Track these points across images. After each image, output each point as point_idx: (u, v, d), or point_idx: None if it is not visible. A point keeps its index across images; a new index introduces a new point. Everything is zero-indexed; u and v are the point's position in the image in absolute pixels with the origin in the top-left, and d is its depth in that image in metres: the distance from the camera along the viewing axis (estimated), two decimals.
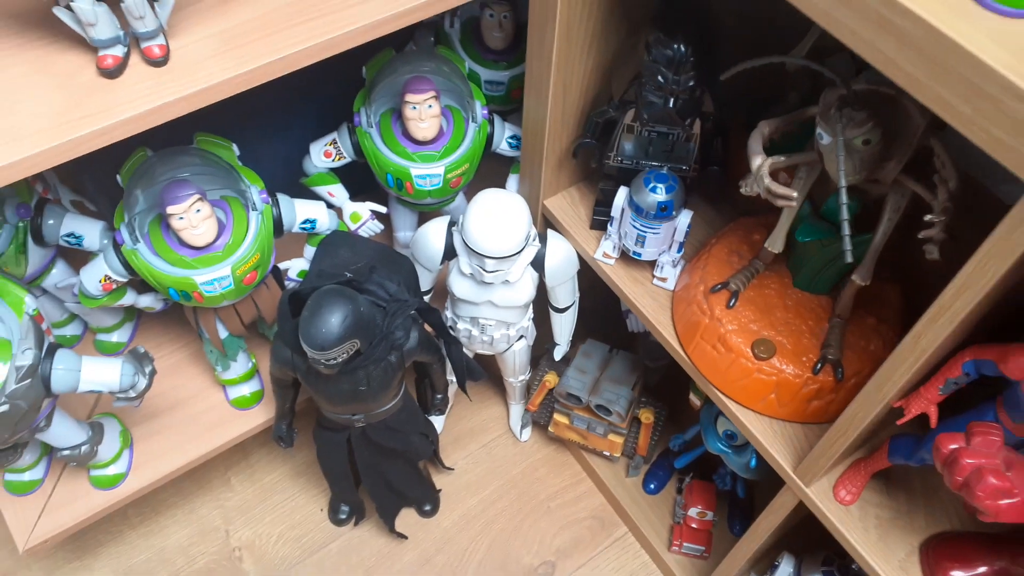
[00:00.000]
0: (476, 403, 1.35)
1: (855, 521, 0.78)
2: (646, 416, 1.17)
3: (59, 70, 0.64)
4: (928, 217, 0.59)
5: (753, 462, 0.94)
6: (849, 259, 0.59)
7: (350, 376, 0.85)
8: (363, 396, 0.89)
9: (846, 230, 0.58)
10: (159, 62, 0.64)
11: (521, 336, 1.07)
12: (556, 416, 1.20)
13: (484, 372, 1.05)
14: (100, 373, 0.80)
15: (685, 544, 1.16)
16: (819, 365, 0.78)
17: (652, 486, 1.24)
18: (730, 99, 0.82)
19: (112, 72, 0.63)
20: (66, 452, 0.90)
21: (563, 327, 1.06)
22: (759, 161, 0.66)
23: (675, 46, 0.73)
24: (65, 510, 0.98)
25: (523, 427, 1.31)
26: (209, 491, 1.25)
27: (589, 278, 0.98)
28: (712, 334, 0.83)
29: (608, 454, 1.22)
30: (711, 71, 0.72)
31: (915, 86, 0.48)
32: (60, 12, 0.60)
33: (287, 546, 1.21)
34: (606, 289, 0.94)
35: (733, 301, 0.82)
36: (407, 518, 1.23)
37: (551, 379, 1.15)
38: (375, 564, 1.20)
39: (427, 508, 1.23)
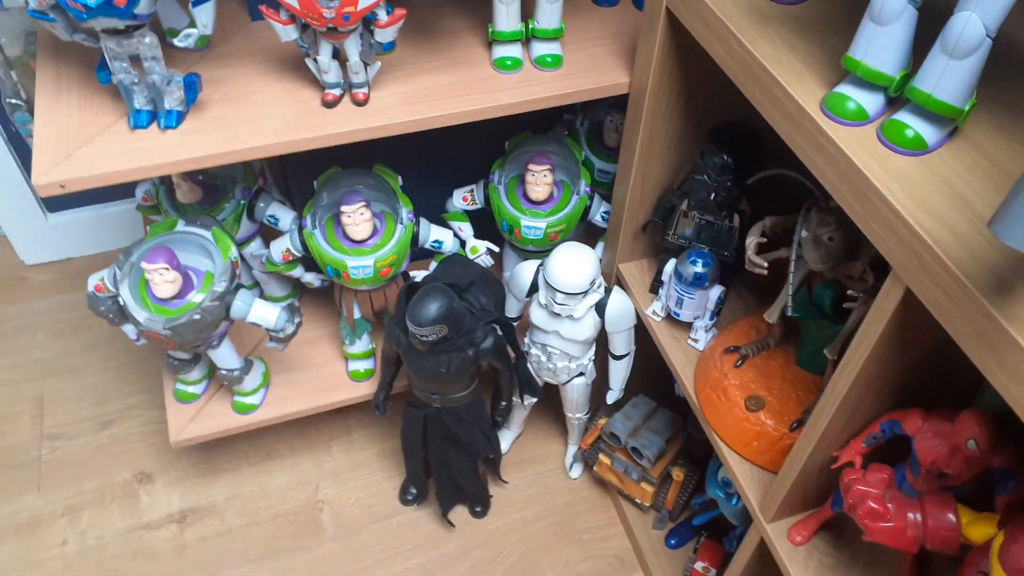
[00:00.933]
0: (540, 438, 1.57)
1: (799, 560, 0.94)
2: (678, 474, 1.35)
3: (299, 97, 0.98)
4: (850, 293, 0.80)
5: (740, 507, 1.11)
6: (790, 304, 0.81)
7: (435, 358, 1.12)
8: (443, 378, 1.15)
9: (791, 280, 0.80)
10: (361, 103, 0.97)
11: (581, 373, 1.30)
12: (601, 456, 1.40)
13: (542, 391, 1.29)
14: (264, 312, 1.11)
15: None
16: (795, 425, 0.97)
17: (673, 541, 1.41)
18: (763, 202, 1.04)
19: (330, 104, 0.96)
20: (224, 372, 1.22)
21: (618, 374, 1.28)
22: (749, 239, 0.89)
23: (722, 155, 0.98)
24: (210, 422, 1.29)
25: (574, 464, 1.52)
26: (313, 453, 1.53)
27: (648, 347, 1.20)
28: (718, 385, 1.03)
29: (640, 502, 1.40)
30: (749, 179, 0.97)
31: (843, 203, 0.71)
32: (309, 62, 0.94)
33: (359, 510, 1.46)
34: (660, 358, 1.17)
35: (740, 362, 1.03)
36: (459, 515, 1.45)
37: (604, 423, 1.37)
38: (424, 543, 1.43)
39: (478, 509, 1.46)
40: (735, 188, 1.01)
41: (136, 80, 0.88)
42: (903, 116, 0.68)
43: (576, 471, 1.53)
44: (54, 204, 1.71)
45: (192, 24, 0.86)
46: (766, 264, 0.90)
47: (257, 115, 0.95)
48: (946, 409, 0.78)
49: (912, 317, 0.66)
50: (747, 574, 1.05)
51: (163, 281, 1.03)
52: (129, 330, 1.17)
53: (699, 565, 1.31)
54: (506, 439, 1.52)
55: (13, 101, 1.46)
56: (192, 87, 0.91)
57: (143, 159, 0.89)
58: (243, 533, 1.42)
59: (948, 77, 0.64)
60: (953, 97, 0.65)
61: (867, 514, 0.75)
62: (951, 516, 0.73)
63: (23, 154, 1.60)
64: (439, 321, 1.05)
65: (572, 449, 1.52)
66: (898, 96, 0.70)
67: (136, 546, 1.39)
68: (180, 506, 1.44)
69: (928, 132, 0.67)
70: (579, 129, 1.36)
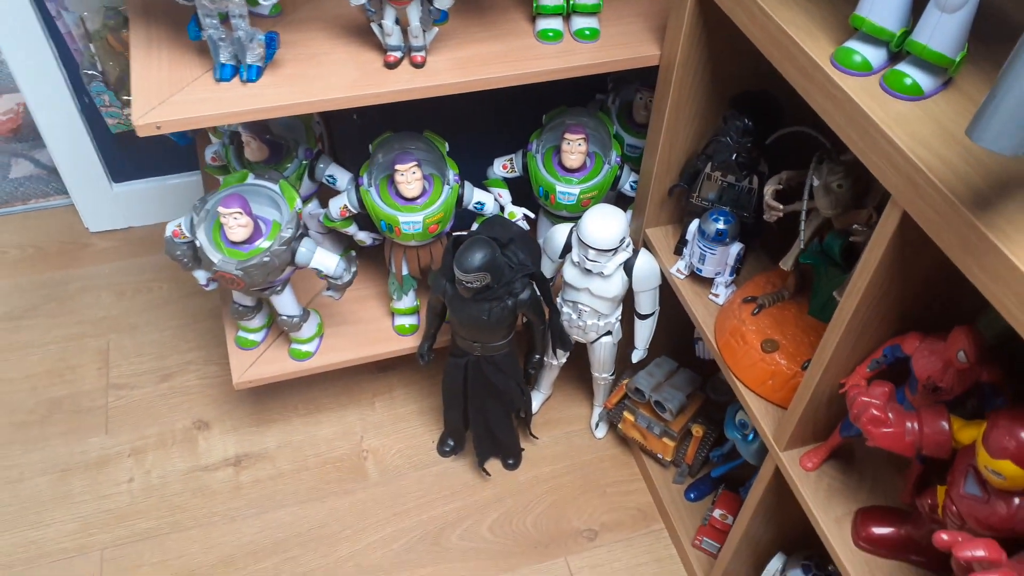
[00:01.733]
0: (567, 402, 1.67)
1: (811, 484, 1.03)
2: (697, 430, 1.45)
3: (362, 59, 1.09)
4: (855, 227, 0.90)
5: (756, 446, 1.21)
6: (802, 236, 0.91)
7: (478, 306, 1.22)
8: (484, 326, 1.25)
9: (803, 228, 0.90)
10: (418, 66, 1.08)
11: (608, 332, 1.40)
12: (625, 414, 1.50)
13: (572, 345, 1.39)
14: (325, 259, 1.23)
15: (705, 540, 1.41)
16: (806, 364, 1.06)
17: (692, 495, 1.50)
18: (779, 166, 1.14)
19: (391, 65, 1.08)
20: (284, 318, 1.33)
21: (642, 333, 1.38)
22: (767, 187, 0.99)
23: (743, 119, 1.08)
24: (268, 366, 1.40)
25: (599, 424, 1.62)
26: (358, 407, 1.64)
27: (671, 310, 1.30)
28: (736, 331, 1.13)
29: (661, 457, 1.49)
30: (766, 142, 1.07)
31: (848, 141, 0.80)
32: (374, 26, 1.06)
33: (400, 459, 1.57)
34: (683, 320, 1.26)
35: (757, 310, 1.13)
36: (493, 467, 1.55)
37: (627, 384, 1.47)
38: (459, 490, 1.53)
39: (510, 462, 1.56)
40: (755, 149, 1.11)
41: (223, 36, 1.00)
42: (903, 67, 0.78)
43: (601, 431, 1.63)
44: (119, 174, 1.84)
45: None
46: (781, 207, 1.00)
47: (326, 73, 1.07)
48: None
49: (909, 236, 0.76)
50: (763, 502, 1.14)
51: (237, 225, 1.14)
52: (200, 275, 1.29)
53: (717, 512, 1.40)
54: (536, 400, 1.62)
55: (90, 72, 1.60)
56: (272, 44, 1.03)
57: (226, 106, 1.01)
58: (293, 477, 1.53)
59: (941, 30, 0.74)
60: (946, 48, 0.75)
61: (870, 420, 0.84)
62: (944, 423, 0.82)
63: (95, 126, 1.73)
64: (483, 268, 1.16)
65: (597, 410, 1.62)
66: (899, 51, 0.80)
67: (196, 485, 1.51)
68: (235, 451, 1.56)
69: (924, 80, 0.77)
70: (610, 107, 1.47)
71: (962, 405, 0.87)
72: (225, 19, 0.99)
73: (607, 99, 1.48)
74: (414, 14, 1.03)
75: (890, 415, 0.85)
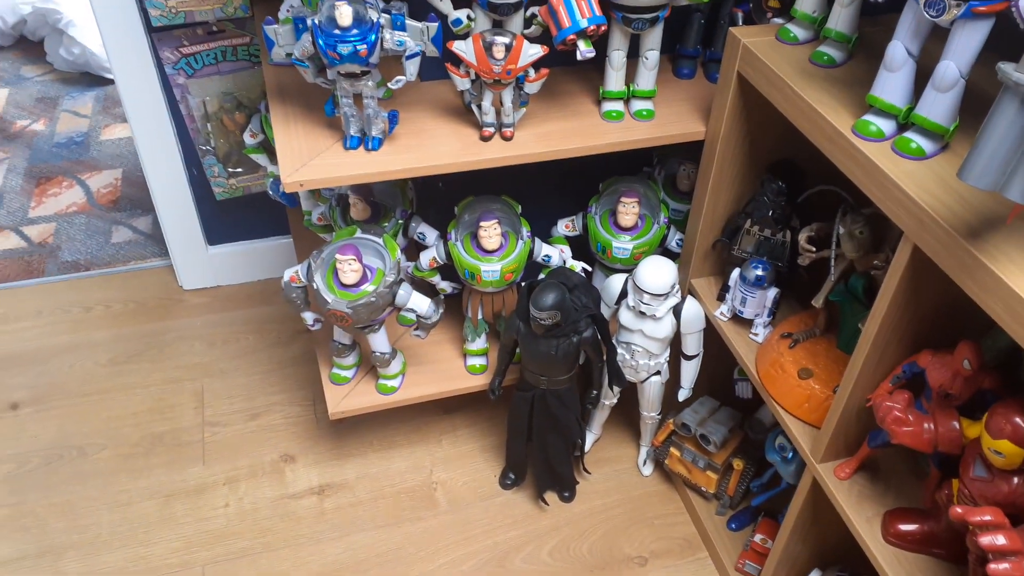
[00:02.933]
0: (616, 443, 1.84)
1: (844, 490, 1.20)
2: (738, 464, 1.61)
3: (462, 133, 1.33)
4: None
5: (794, 466, 1.37)
6: (832, 274, 1.10)
7: (547, 342, 1.42)
8: (551, 361, 1.44)
9: (831, 271, 1.10)
10: (508, 139, 1.32)
11: (657, 372, 1.58)
12: (672, 449, 1.67)
13: (626, 382, 1.57)
14: (419, 300, 1.43)
15: (747, 563, 1.55)
16: (837, 388, 1.24)
17: (734, 525, 1.65)
18: (808, 222, 1.35)
19: (486, 139, 1.31)
20: (377, 354, 1.53)
21: (688, 373, 1.57)
22: (801, 235, 1.19)
23: (778, 182, 1.30)
24: (359, 399, 1.59)
25: (646, 462, 1.78)
26: (426, 444, 1.82)
27: (714, 353, 1.49)
28: (776, 363, 1.32)
29: (705, 490, 1.65)
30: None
31: (868, 193, 1.01)
32: (474, 107, 1.30)
33: (467, 490, 1.73)
34: (723, 364, 1.45)
35: (793, 344, 1.32)
36: (550, 498, 1.72)
37: (675, 420, 1.64)
38: (520, 519, 1.69)
39: (566, 494, 1.72)
40: (787, 207, 1.32)
41: (355, 113, 1.24)
42: (909, 134, 1.00)
43: (648, 469, 1.79)
44: (214, 238, 2.08)
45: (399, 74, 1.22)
46: (814, 251, 1.20)
47: (433, 143, 1.30)
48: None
49: (918, 265, 0.96)
50: (801, 515, 1.30)
51: (350, 269, 1.36)
52: (308, 316, 1.50)
53: (758, 537, 1.55)
54: (589, 439, 1.79)
55: (204, 147, 1.85)
56: (393, 120, 1.27)
57: (354, 169, 1.24)
58: (371, 505, 1.69)
59: (937, 106, 0.96)
60: (942, 119, 0.96)
61: (894, 421, 1.02)
62: (955, 423, 1.00)
63: (199, 195, 1.97)
64: (555, 307, 1.36)
65: (644, 449, 1.78)
66: (906, 123, 1.01)
67: (284, 510, 1.67)
68: (319, 481, 1.73)
69: (927, 145, 0.99)
70: (657, 177, 1.70)
71: (970, 413, 1.05)
72: (358, 98, 1.23)
73: (653, 171, 1.71)
74: (507, 97, 1.27)
75: (910, 416, 1.02)
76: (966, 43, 0.91)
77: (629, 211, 1.53)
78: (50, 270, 2.14)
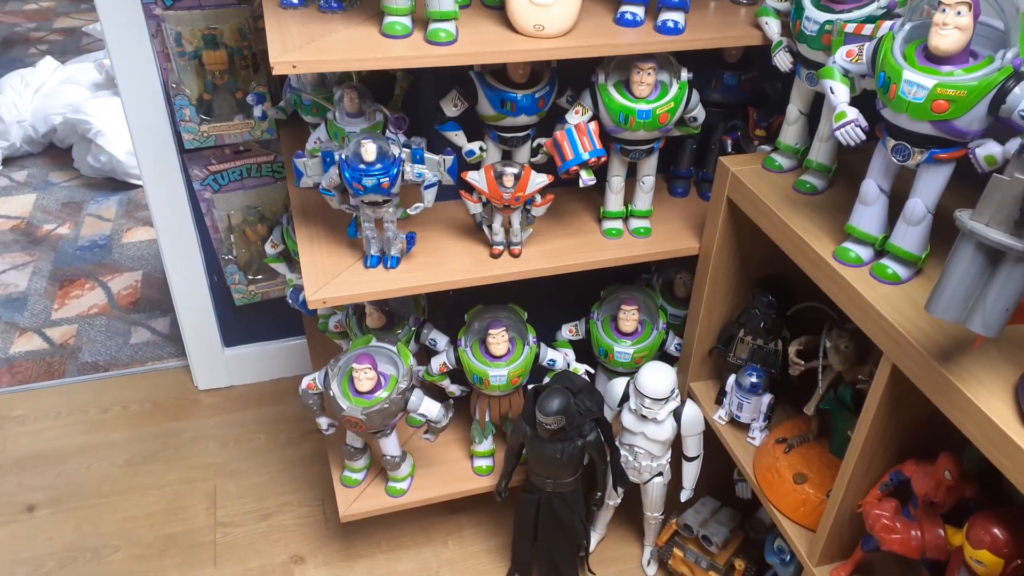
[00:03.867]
0: (620, 542, 1.87)
1: None
2: (739, 564, 1.65)
3: (473, 251, 1.43)
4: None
5: (793, 568, 1.41)
6: (820, 387, 1.17)
7: (553, 446, 1.48)
8: (557, 464, 1.50)
9: (820, 381, 1.17)
10: (516, 256, 1.41)
11: (660, 473, 1.64)
12: (675, 550, 1.71)
13: (629, 483, 1.62)
14: (429, 406, 1.50)
15: None
16: (831, 492, 1.30)
17: None
18: (797, 332, 1.43)
19: (496, 256, 1.41)
20: (388, 457, 1.59)
21: (689, 474, 1.62)
22: (791, 348, 1.28)
23: (768, 295, 1.40)
24: (369, 502, 1.64)
25: (650, 561, 1.82)
26: (432, 544, 1.85)
27: (713, 456, 1.55)
28: (772, 467, 1.38)
29: None
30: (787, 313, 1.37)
31: (849, 314, 1.10)
32: (484, 228, 1.40)
33: None
34: (723, 465, 1.51)
35: (788, 449, 1.38)
36: None
37: (677, 521, 1.69)
38: None
39: None
40: (778, 319, 1.41)
41: (375, 235, 1.34)
42: (885, 261, 1.09)
43: (652, 569, 1.82)
44: (231, 340, 2.16)
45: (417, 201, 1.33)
46: (803, 364, 1.28)
47: (446, 261, 1.40)
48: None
49: (898, 382, 1.03)
50: None
51: (365, 377, 1.43)
52: (323, 421, 1.56)
53: None
54: (593, 539, 1.83)
55: (227, 257, 1.96)
56: (411, 241, 1.37)
57: (374, 287, 1.33)
58: None
59: (909, 237, 1.06)
60: (914, 248, 1.06)
61: (882, 528, 1.08)
62: (940, 531, 1.06)
63: (217, 300, 2.06)
64: (560, 412, 1.43)
65: (648, 549, 1.82)
66: (882, 249, 1.11)
67: None
68: None
69: (901, 271, 1.08)
70: (655, 284, 1.79)
71: (957, 520, 1.10)
72: (380, 221, 1.33)
73: (651, 278, 1.80)
74: (516, 219, 1.37)
75: (898, 524, 1.08)
76: (931, 184, 1.01)
77: (629, 317, 1.62)
78: (70, 371, 2.21)
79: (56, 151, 3.15)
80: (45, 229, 2.76)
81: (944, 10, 0.90)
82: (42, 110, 3.05)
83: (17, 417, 2.10)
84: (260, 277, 1.99)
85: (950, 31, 0.90)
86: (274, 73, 1.08)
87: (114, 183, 2.98)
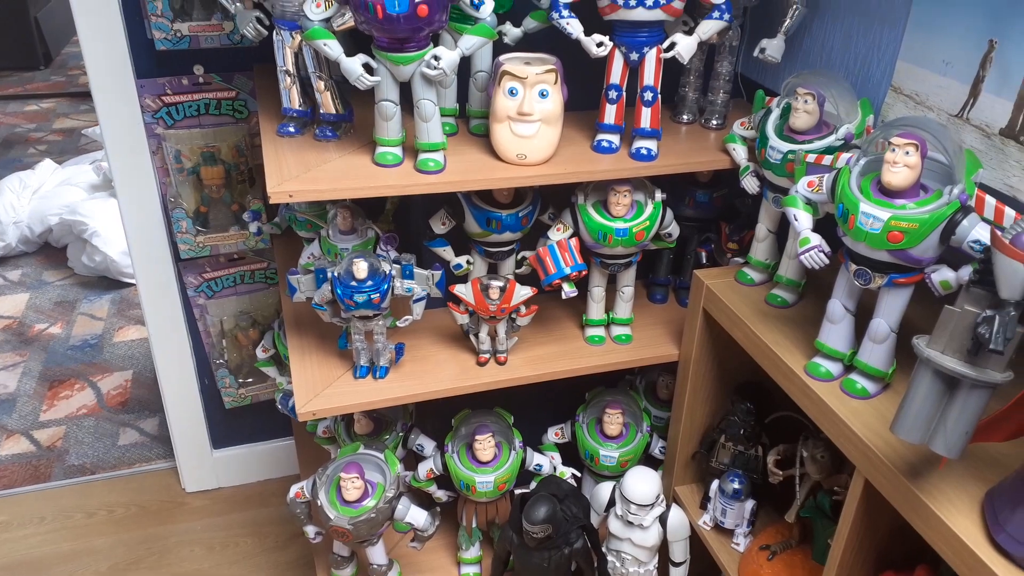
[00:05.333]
0: None
1: None
2: None
3: (460, 359, 1.47)
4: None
5: None
6: (798, 497, 1.20)
7: (540, 554, 1.49)
8: (544, 572, 1.51)
9: (798, 490, 1.20)
10: (502, 364, 1.46)
11: None
12: None
13: None
14: (416, 515, 1.51)
15: None
16: None
17: None
18: (776, 436, 1.47)
19: (482, 364, 1.45)
20: (375, 566, 1.59)
21: None
22: (769, 458, 1.31)
23: (746, 404, 1.44)
24: None
25: None
26: None
27: (699, 562, 1.56)
28: (756, 574, 1.39)
29: None
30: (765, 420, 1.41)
31: (821, 427, 1.14)
32: (471, 337, 1.45)
33: None
34: (713, 565, 1.52)
35: (771, 556, 1.40)
36: None
37: None
38: None
39: None
40: (757, 426, 1.45)
41: (365, 346, 1.38)
42: (854, 376, 1.14)
43: None
44: (219, 442, 2.17)
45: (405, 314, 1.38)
46: (781, 473, 1.31)
47: (434, 369, 1.44)
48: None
49: (871, 495, 1.07)
50: None
51: (353, 487, 1.45)
52: (310, 530, 1.57)
53: None
54: None
55: (219, 361, 1.99)
56: (400, 352, 1.41)
57: (364, 397, 1.37)
58: None
59: (875, 354, 1.11)
60: (880, 365, 1.11)
61: None
62: None
63: (207, 402, 2.08)
64: (546, 521, 1.44)
65: None
66: (851, 364, 1.16)
67: None
68: None
69: (870, 386, 1.13)
70: (638, 385, 1.83)
71: None
72: (368, 334, 1.38)
73: (635, 379, 1.84)
74: (501, 329, 1.42)
75: None
76: (892, 305, 1.07)
77: (614, 421, 1.65)
78: (56, 475, 2.21)
79: (51, 250, 3.20)
80: (37, 328, 2.79)
81: (894, 149, 0.97)
82: (39, 211, 3.12)
83: (1, 523, 2.09)
84: (250, 380, 2.02)
85: (900, 169, 0.97)
86: (271, 202, 1.14)
87: (107, 281, 3.03)
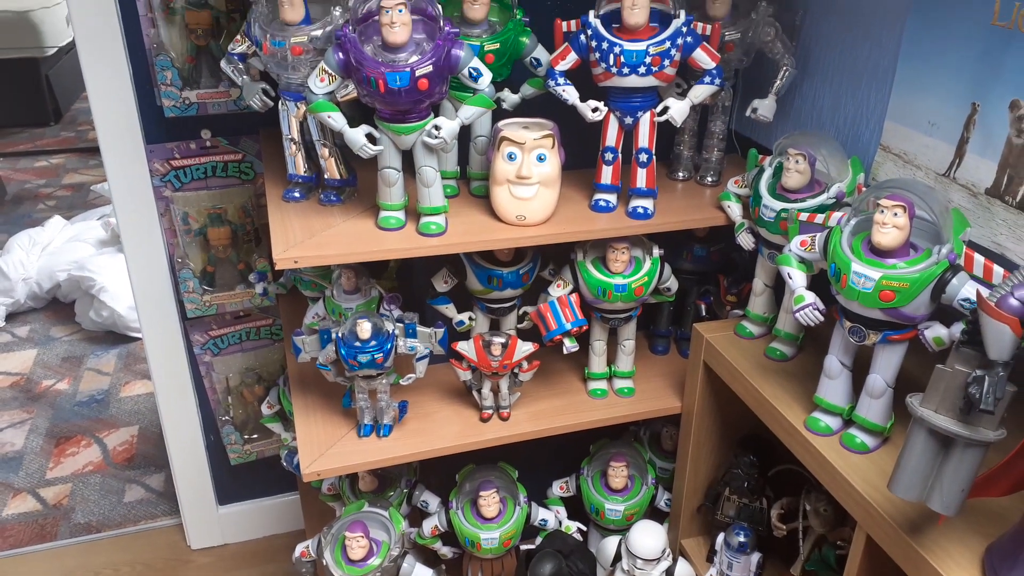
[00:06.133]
0: None
1: None
2: None
3: (463, 415, 1.48)
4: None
5: None
6: (802, 551, 1.20)
7: None
8: None
9: (802, 543, 1.21)
10: (505, 419, 1.47)
11: None
12: None
13: None
14: (421, 572, 1.51)
15: None
16: None
17: None
18: (780, 488, 1.47)
19: (485, 420, 1.46)
20: None
21: None
22: (773, 512, 1.31)
23: (749, 456, 1.44)
24: None
25: None
26: None
27: None
28: None
29: None
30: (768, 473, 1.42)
31: (822, 481, 1.15)
32: (475, 393, 1.46)
33: None
34: None
35: None
36: None
37: None
38: None
39: None
40: (760, 479, 1.45)
41: (369, 405, 1.40)
42: (853, 431, 1.15)
43: None
44: (225, 498, 2.17)
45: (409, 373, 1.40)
46: (785, 528, 1.31)
47: (437, 427, 1.45)
48: None
49: (873, 550, 1.07)
50: None
51: (358, 546, 1.45)
52: None
53: None
54: None
55: (224, 417, 2.00)
56: (403, 410, 1.43)
57: (368, 456, 1.38)
58: None
59: (873, 409, 1.12)
60: (878, 420, 1.12)
61: None
62: None
63: (213, 458, 2.09)
64: None
65: None
66: (849, 419, 1.17)
67: None
68: None
69: (869, 440, 1.14)
70: (643, 436, 1.84)
71: None
72: (372, 393, 1.39)
73: (639, 430, 1.85)
74: (504, 385, 1.44)
75: None
76: (888, 361, 1.09)
77: (619, 474, 1.66)
78: (62, 533, 2.21)
79: (59, 305, 3.24)
80: (44, 385, 2.81)
81: (883, 211, 1.00)
82: (48, 267, 3.16)
83: None
84: (256, 436, 2.03)
85: (889, 230, 1.00)
86: (276, 268, 1.17)
87: (114, 336, 3.05)
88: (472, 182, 1.44)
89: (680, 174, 1.54)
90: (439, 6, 1.15)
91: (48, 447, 2.53)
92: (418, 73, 1.10)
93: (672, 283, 1.49)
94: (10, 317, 3.19)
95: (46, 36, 4.93)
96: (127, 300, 2.92)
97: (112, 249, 3.17)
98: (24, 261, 3.16)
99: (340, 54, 1.13)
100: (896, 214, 0.99)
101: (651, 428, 1.84)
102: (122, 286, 2.91)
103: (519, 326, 1.53)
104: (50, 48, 4.98)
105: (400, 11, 1.08)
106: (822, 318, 1.11)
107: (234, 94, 1.62)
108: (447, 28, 1.13)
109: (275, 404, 1.85)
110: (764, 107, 1.40)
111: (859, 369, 1.16)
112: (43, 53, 4.95)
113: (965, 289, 0.98)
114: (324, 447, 1.39)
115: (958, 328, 1.00)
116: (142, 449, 2.52)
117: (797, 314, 1.12)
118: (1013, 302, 0.82)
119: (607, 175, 1.35)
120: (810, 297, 1.11)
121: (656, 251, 1.42)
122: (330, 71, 1.14)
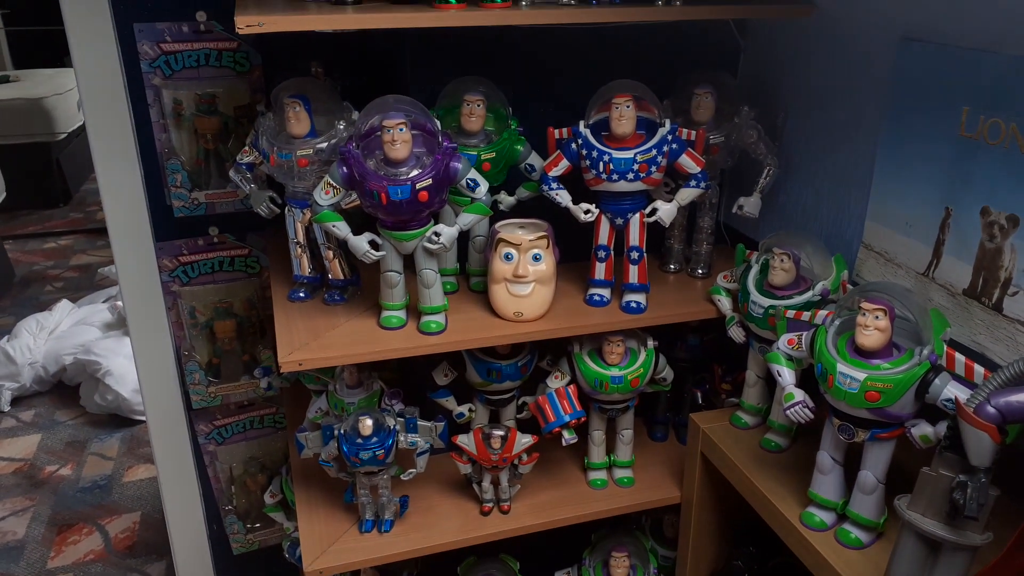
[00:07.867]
0: None
1: None
2: None
3: (464, 508, 1.50)
4: None
5: None
6: None
7: None
8: None
9: None
10: (505, 512, 1.48)
11: None
12: None
13: None
14: None
15: None
16: None
17: None
18: None
19: (486, 514, 1.48)
20: None
21: None
22: None
23: (749, 548, 1.45)
24: None
25: None
26: None
27: None
28: None
29: None
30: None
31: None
32: (475, 486, 1.48)
33: None
34: None
35: None
36: None
37: None
38: None
39: None
40: (761, 571, 1.45)
41: (370, 500, 1.42)
42: (847, 526, 1.16)
43: None
44: None
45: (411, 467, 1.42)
46: None
47: (438, 521, 1.46)
48: None
49: None
50: None
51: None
52: None
53: None
54: None
55: (227, 507, 2.01)
56: (404, 505, 1.44)
57: (369, 553, 1.39)
58: None
59: (865, 505, 1.14)
60: (871, 515, 1.14)
61: None
62: None
63: (217, 549, 2.08)
64: None
65: None
66: (843, 513, 1.19)
67: None
68: None
69: (863, 536, 1.15)
70: (644, 524, 1.84)
71: None
72: (373, 488, 1.41)
73: (640, 519, 1.85)
74: (504, 478, 1.46)
75: None
76: (877, 458, 1.11)
77: (620, 564, 1.66)
78: None
79: (64, 388, 3.26)
80: (48, 471, 2.82)
81: (864, 314, 1.04)
82: (54, 351, 3.20)
83: None
84: (258, 525, 2.03)
85: (872, 332, 1.04)
86: (282, 371, 1.21)
87: (118, 419, 3.07)
88: (471, 278, 1.48)
89: (672, 266, 1.59)
90: (437, 121, 1.22)
91: (50, 535, 2.52)
92: (418, 186, 1.15)
93: (668, 373, 1.52)
94: (15, 401, 3.21)
95: (58, 122, 5.09)
96: (132, 383, 2.95)
97: (118, 332, 3.21)
98: (31, 346, 3.20)
99: (344, 168, 1.19)
100: (877, 316, 1.03)
101: (653, 515, 1.85)
102: (127, 369, 2.94)
103: (518, 416, 1.56)
104: (61, 133, 5.13)
105: (401, 129, 1.14)
106: (812, 416, 1.14)
107: (241, 194, 1.68)
108: (445, 143, 1.19)
109: (278, 493, 1.87)
110: (750, 204, 1.46)
111: (853, 461, 1.18)
112: (55, 138, 5.10)
113: (948, 389, 1.01)
114: (327, 543, 1.40)
115: (943, 427, 1.03)
116: (144, 536, 2.51)
117: (787, 412, 1.15)
118: (990, 410, 0.85)
119: (600, 271, 1.40)
120: (799, 395, 1.14)
121: (651, 343, 1.45)
122: (335, 184, 1.20)
